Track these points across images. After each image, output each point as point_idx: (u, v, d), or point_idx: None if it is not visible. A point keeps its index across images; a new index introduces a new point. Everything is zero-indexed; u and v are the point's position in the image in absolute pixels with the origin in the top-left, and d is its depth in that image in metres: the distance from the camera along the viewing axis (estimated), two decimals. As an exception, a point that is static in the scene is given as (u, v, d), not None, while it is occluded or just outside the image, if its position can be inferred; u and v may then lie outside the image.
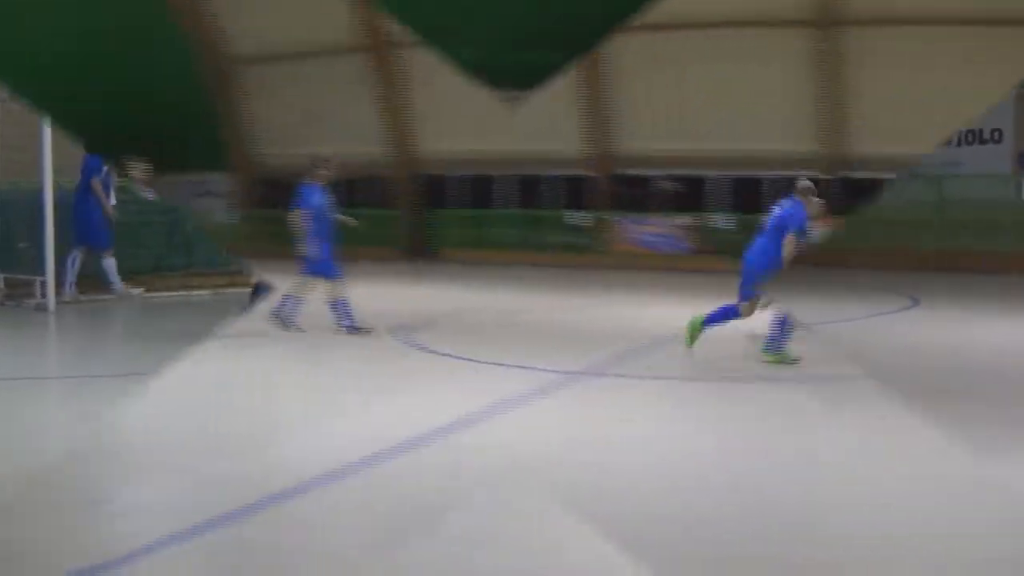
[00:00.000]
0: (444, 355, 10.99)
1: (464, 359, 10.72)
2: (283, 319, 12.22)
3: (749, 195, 28.65)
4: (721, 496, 5.97)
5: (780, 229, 10.85)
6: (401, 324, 13.00)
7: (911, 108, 24.97)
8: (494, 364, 10.36)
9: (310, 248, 11.97)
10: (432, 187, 32.06)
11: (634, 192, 30.15)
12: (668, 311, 16.25)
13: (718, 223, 27.98)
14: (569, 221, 29.62)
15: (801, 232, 10.82)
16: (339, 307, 12.15)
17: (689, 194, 29.61)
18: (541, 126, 29.16)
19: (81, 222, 13.77)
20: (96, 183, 13.77)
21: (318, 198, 12.08)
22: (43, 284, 12.77)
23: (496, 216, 31.21)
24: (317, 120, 30.24)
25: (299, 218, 12.01)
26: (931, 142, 25.09)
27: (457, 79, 29.11)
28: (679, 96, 27.44)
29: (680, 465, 6.62)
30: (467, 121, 29.83)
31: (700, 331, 11.19)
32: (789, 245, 10.75)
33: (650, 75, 27.76)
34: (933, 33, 24.36)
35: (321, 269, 12.10)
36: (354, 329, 12.09)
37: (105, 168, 13.69)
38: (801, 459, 6.88)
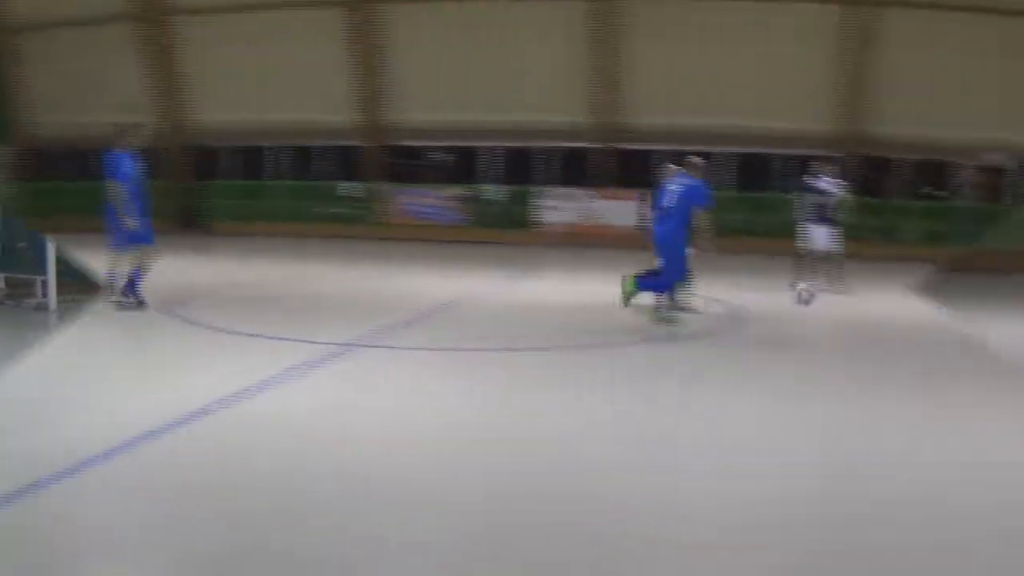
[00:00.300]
0: (217, 329, 10.74)
1: (238, 333, 10.50)
2: (134, 299, 11.82)
3: (522, 167, 29.17)
4: (488, 459, 6.13)
5: (685, 206, 11.51)
6: (175, 298, 12.63)
7: (682, 81, 26.14)
8: (268, 338, 10.18)
9: (128, 217, 11.59)
10: (204, 158, 31.20)
11: (408, 164, 30.17)
12: (443, 282, 16.47)
13: (490, 194, 28.37)
14: (343, 192, 29.43)
15: (707, 203, 11.52)
16: (133, 278, 11.79)
17: (463, 166, 29.87)
18: (315, 96, 28.89)
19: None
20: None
21: (128, 165, 11.66)
22: (44, 283, 11.92)
23: (269, 187, 30.67)
24: (89, 89, 29.13)
25: (113, 188, 11.55)
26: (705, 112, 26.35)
27: (233, 47, 28.59)
28: (456, 67, 27.67)
29: (450, 432, 6.74)
30: (241, 91, 29.26)
31: (635, 293, 11.84)
32: (705, 221, 11.40)
33: (426, 46, 27.86)
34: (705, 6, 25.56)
35: (137, 236, 11.73)
36: (131, 303, 11.76)
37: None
38: (567, 422, 7.10)
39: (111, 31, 29.54)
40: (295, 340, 10.00)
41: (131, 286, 11.86)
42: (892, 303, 15.14)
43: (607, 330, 11.55)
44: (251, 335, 10.40)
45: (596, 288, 14.15)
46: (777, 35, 25.42)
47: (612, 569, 4.48)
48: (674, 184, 11.82)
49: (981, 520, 5.20)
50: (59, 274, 11.82)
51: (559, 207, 27.41)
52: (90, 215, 11.95)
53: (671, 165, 12.94)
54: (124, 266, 11.81)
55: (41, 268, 11.86)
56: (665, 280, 11.75)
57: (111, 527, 4.89)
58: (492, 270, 18.83)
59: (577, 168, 28.56)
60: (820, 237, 15.79)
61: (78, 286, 12.21)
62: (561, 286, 16.69)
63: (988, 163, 25.88)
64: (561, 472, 5.92)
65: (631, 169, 28.27)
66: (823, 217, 15.80)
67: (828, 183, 16.01)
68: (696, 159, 12.04)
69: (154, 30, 29.54)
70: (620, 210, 26.80)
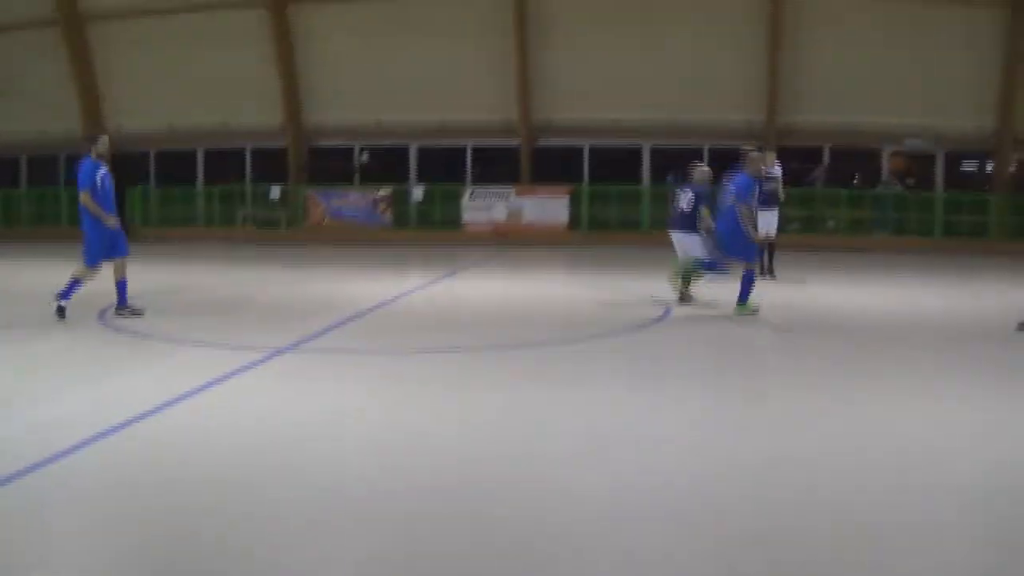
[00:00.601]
0: (144, 336, 10.43)
1: (164, 339, 10.18)
2: (128, 309, 11.73)
3: (446, 167, 29.03)
4: (400, 457, 6.05)
5: (738, 199, 11.70)
6: (100, 306, 12.25)
7: (603, 77, 26.26)
8: (195, 344, 9.94)
9: (110, 216, 11.47)
10: (127, 163, 30.52)
11: (331, 165, 29.85)
12: (370, 284, 16.24)
13: (415, 195, 28.18)
14: (269, 195, 29.03)
15: (745, 199, 11.64)
16: (121, 289, 11.70)
17: (388, 167, 29.65)
18: (238, 99, 28.53)
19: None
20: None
21: (93, 174, 11.40)
22: None
23: (196, 192, 30.10)
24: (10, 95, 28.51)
25: (84, 197, 11.31)
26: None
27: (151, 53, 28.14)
28: (380, 68, 27.52)
29: (381, 434, 6.63)
30: (164, 95, 28.80)
31: (694, 273, 12.44)
32: (743, 214, 11.55)
33: (348, 47, 27.69)
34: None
35: (113, 250, 11.63)
36: (127, 312, 11.65)
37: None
38: (486, 422, 7.03)
39: (31, 37, 28.95)
40: (228, 346, 9.79)
41: (122, 297, 11.76)
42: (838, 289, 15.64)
43: (540, 328, 11.59)
44: (184, 341, 10.13)
45: (523, 286, 14.05)
46: (697, 26, 25.61)
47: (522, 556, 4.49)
48: (730, 183, 11.99)
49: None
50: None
51: (484, 206, 27.30)
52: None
53: (701, 166, 13.29)
54: (91, 279, 11.64)
55: None
56: (748, 276, 11.89)
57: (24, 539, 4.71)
58: (418, 271, 18.67)
59: (502, 166, 28.49)
60: (771, 223, 15.99)
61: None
62: (488, 285, 16.58)
63: (911, 150, 26.31)
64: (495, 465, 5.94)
65: (556, 166, 28.31)
66: (772, 203, 16.03)
67: (775, 170, 16.21)
68: (751, 151, 12.09)
69: (75, 35, 28.96)
70: (544, 207, 26.81)
